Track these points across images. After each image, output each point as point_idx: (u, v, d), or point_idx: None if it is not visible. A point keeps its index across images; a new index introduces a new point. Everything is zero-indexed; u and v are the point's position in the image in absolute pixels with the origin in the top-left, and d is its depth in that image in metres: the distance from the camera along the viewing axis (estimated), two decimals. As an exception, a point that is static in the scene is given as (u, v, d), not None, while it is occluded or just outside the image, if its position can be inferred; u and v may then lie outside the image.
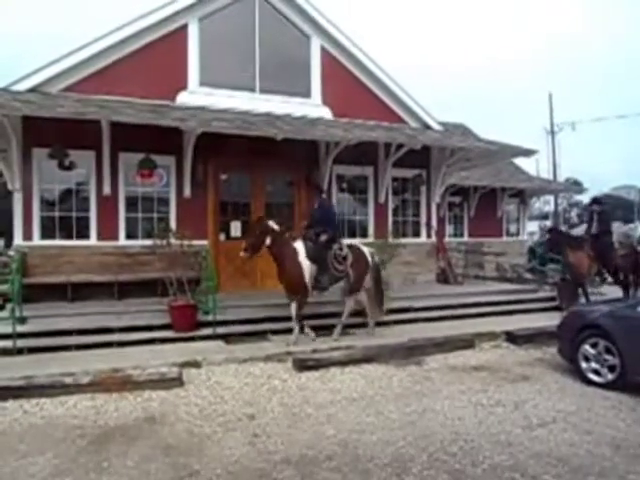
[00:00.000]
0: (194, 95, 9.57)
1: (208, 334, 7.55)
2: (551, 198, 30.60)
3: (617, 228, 34.08)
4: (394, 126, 10.98)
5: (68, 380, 5.34)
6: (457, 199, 16.43)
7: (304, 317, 7.54)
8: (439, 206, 13.33)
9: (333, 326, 7.79)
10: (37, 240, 8.77)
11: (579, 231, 15.99)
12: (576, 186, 32.32)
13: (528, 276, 13.13)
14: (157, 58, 9.30)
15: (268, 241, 7.24)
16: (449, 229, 16.44)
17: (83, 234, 9.07)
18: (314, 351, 6.86)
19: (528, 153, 11.02)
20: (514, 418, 4.67)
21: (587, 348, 5.76)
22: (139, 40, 9.21)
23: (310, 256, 7.30)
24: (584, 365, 5.77)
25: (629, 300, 7.29)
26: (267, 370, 6.18)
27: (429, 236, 11.97)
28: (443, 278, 11.71)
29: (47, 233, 8.89)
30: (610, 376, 5.52)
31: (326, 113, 10.54)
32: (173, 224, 9.28)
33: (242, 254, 7.22)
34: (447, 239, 14.69)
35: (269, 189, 10.56)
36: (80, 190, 9.17)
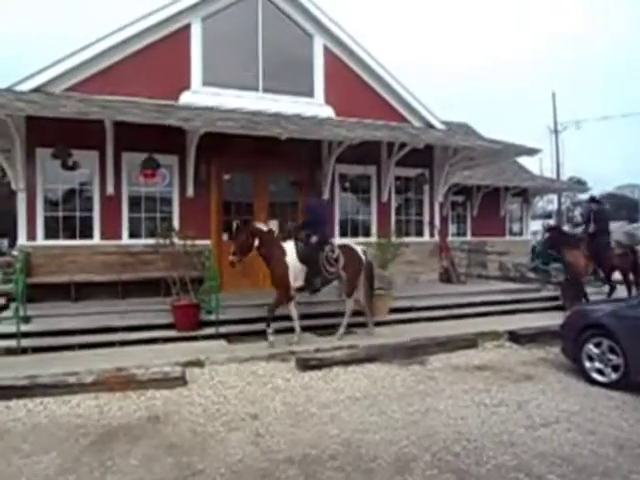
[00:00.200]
0: (197, 95, 9.58)
1: (211, 333, 7.56)
2: (554, 197, 30.52)
3: (620, 227, 34.04)
4: (397, 125, 10.97)
5: (72, 379, 5.36)
6: (460, 198, 16.40)
7: (263, 319, 7.42)
8: (442, 205, 13.30)
9: (333, 326, 7.79)
10: (41, 240, 8.80)
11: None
12: (579, 185, 32.27)
13: (531, 275, 13.10)
14: (160, 58, 9.31)
15: (257, 243, 7.22)
16: (452, 228, 16.41)
17: (86, 234, 9.10)
18: (317, 350, 6.86)
19: (532, 152, 10.99)
20: (517, 418, 4.66)
21: (591, 347, 5.74)
22: (142, 40, 9.23)
23: (301, 257, 7.26)
24: (588, 365, 5.75)
25: (632, 299, 7.25)
26: (270, 369, 6.18)
27: (432, 235, 11.96)
28: (446, 277, 11.70)
29: (51, 233, 8.91)
30: (614, 376, 5.50)
31: (329, 112, 10.54)
32: (176, 224, 9.30)
33: (231, 258, 7.20)
34: (450, 238, 14.67)
35: (272, 189, 10.55)
36: (83, 190, 9.20)
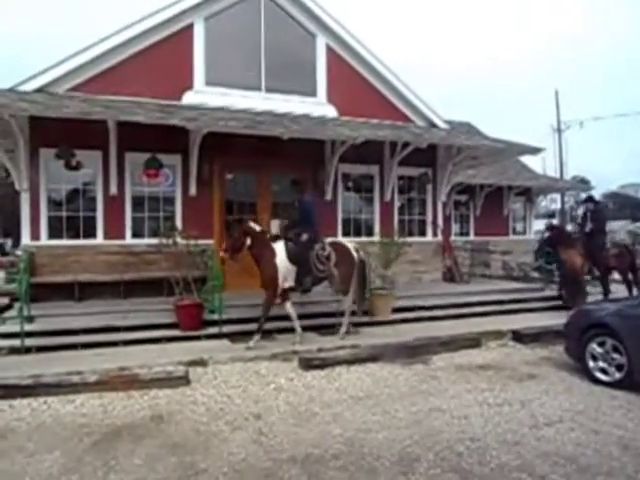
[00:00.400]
0: (200, 95, 9.59)
1: (214, 333, 7.58)
2: (558, 196, 30.43)
3: (624, 226, 33.90)
4: (400, 125, 10.96)
5: (75, 379, 5.37)
6: (463, 197, 16.37)
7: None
8: (445, 205, 13.29)
9: (335, 325, 7.79)
10: (44, 240, 8.83)
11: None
12: (583, 184, 32.13)
13: (535, 275, 13.06)
14: (163, 58, 9.33)
15: (249, 242, 7.19)
16: (455, 228, 16.38)
17: (90, 234, 9.13)
18: (320, 350, 6.86)
19: (535, 151, 10.97)
20: (521, 417, 4.65)
21: (594, 347, 5.72)
22: (145, 40, 9.25)
23: (291, 257, 7.21)
24: (591, 364, 5.73)
25: (636, 298, 7.22)
26: (273, 369, 6.18)
27: (435, 235, 11.95)
28: (449, 277, 11.69)
29: (54, 233, 8.95)
30: (618, 375, 5.48)
31: (331, 111, 10.54)
32: (179, 223, 9.32)
33: (222, 254, 7.23)
34: (453, 238, 14.66)
35: (275, 188, 10.55)
36: (87, 190, 9.23)
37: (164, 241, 8.33)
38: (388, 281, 9.01)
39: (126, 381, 5.41)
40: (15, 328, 6.77)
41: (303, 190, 7.82)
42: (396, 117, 11.15)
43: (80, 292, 8.62)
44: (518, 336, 7.75)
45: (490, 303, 9.84)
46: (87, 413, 4.78)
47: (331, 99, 10.63)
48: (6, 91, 8.35)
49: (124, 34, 9.02)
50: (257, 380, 5.77)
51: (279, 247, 7.30)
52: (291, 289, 7.39)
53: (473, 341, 7.41)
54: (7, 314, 7.98)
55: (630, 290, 10.01)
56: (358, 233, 11.07)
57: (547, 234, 9.84)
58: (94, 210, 9.16)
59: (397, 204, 11.60)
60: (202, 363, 6.27)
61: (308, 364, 6.21)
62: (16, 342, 6.65)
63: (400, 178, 11.50)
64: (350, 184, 10.90)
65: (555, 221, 24.27)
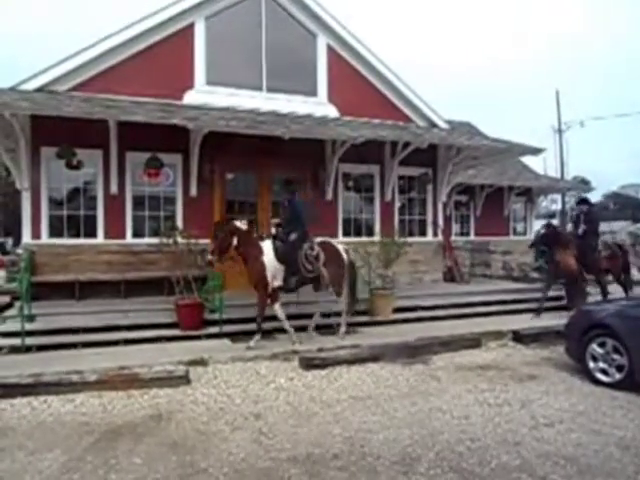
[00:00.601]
0: (201, 94, 9.60)
1: (214, 332, 7.58)
2: (559, 197, 30.40)
3: (625, 227, 33.89)
4: (401, 124, 10.95)
5: (76, 378, 5.37)
6: (464, 198, 16.37)
7: (266, 318, 7.37)
8: (445, 205, 13.29)
9: (329, 326, 7.79)
10: (45, 239, 8.84)
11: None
12: (584, 184, 32.13)
13: (535, 275, 13.06)
14: (164, 57, 9.33)
15: (235, 241, 7.08)
16: (456, 228, 16.39)
17: (90, 233, 9.13)
18: (320, 350, 6.86)
19: (536, 151, 10.96)
20: (521, 418, 4.65)
21: (595, 347, 5.71)
22: (146, 39, 9.25)
23: (278, 256, 7.13)
24: (592, 364, 5.73)
25: (636, 299, 7.21)
26: (273, 369, 6.18)
27: (435, 235, 11.95)
28: (450, 277, 11.69)
29: (55, 232, 8.95)
30: (618, 375, 5.47)
31: (332, 111, 10.55)
32: (179, 223, 9.33)
33: (209, 257, 7.08)
34: (454, 238, 14.65)
35: (276, 188, 10.55)
36: (87, 189, 9.24)
37: (164, 240, 8.34)
38: (389, 281, 9.01)
39: (126, 380, 5.41)
40: (16, 327, 6.77)
41: (295, 190, 7.77)
42: (397, 117, 11.15)
43: (80, 291, 8.63)
44: (518, 336, 7.75)
45: (491, 303, 9.84)
46: (87, 412, 4.79)
47: (332, 99, 10.63)
48: (7, 90, 8.36)
49: (125, 34, 9.02)
50: (257, 380, 5.77)
51: (267, 246, 7.23)
52: (280, 288, 7.33)
53: (473, 341, 7.41)
54: (8, 313, 7.99)
55: (626, 290, 10.01)
56: (358, 233, 11.07)
57: (543, 231, 9.81)
58: (95, 209, 9.16)
59: (397, 204, 11.60)
60: (202, 363, 6.27)
61: (309, 364, 6.21)
62: (17, 341, 6.65)
63: (400, 178, 11.49)
64: (351, 184, 10.90)
65: (556, 221, 24.28)
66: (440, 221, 12.04)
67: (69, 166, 8.59)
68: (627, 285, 10.13)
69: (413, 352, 6.83)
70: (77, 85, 8.90)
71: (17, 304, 7.55)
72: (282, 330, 7.67)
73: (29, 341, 6.70)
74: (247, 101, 9.85)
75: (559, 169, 28.16)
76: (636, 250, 18.69)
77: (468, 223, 16.81)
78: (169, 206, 9.61)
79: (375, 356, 6.60)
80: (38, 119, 7.98)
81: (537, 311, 9.21)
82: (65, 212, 9.06)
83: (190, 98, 9.52)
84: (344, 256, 7.56)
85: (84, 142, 8.61)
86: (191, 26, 9.60)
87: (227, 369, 6.12)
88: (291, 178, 8.19)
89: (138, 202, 9.41)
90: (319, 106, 10.50)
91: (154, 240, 8.80)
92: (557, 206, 33.37)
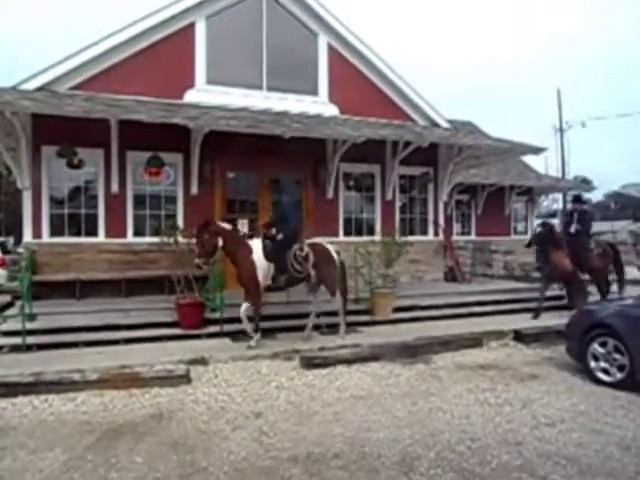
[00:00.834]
0: (201, 93, 9.60)
1: (215, 332, 7.57)
2: (560, 196, 30.37)
3: (626, 226, 33.83)
4: (402, 124, 10.95)
5: (76, 377, 5.37)
6: (465, 197, 16.37)
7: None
8: (446, 204, 13.28)
9: (333, 325, 7.78)
10: (46, 238, 8.85)
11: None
12: (585, 184, 32.10)
13: (537, 275, 13.02)
14: (164, 56, 9.34)
15: (220, 242, 6.98)
16: (456, 227, 16.39)
17: (91, 232, 9.15)
18: (321, 349, 6.86)
19: (537, 151, 10.95)
20: (522, 417, 4.64)
21: (596, 347, 5.70)
22: (146, 38, 9.26)
23: (267, 255, 7.07)
24: (593, 364, 5.72)
25: (638, 298, 7.18)
26: (274, 368, 6.18)
27: (436, 234, 11.94)
28: (451, 276, 11.68)
29: (56, 231, 8.97)
30: (619, 375, 5.46)
31: (333, 111, 10.54)
32: (180, 222, 9.33)
33: (197, 261, 6.90)
34: (455, 237, 14.64)
35: (276, 187, 10.54)
36: (88, 188, 9.25)
37: (165, 240, 8.34)
38: (390, 280, 9.01)
39: (127, 379, 5.41)
40: (17, 326, 6.78)
41: (282, 190, 7.74)
42: (398, 116, 11.15)
43: (81, 290, 8.64)
44: (520, 336, 7.73)
45: (491, 303, 9.83)
46: (88, 411, 4.79)
47: (333, 98, 10.62)
48: (8, 89, 8.37)
49: (125, 33, 9.03)
50: (258, 379, 5.77)
51: (256, 244, 7.18)
52: (269, 287, 7.26)
53: (474, 341, 7.40)
54: (9, 312, 8.00)
55: (620, 289, 9.98)
56: (359, 232, 11.07)
57: (539, 229, 9.77)
58: (95, 208, 9.17)
59: (398, 203, 11.60)
60: (203, 362, 6.27)
61: (309, 363, 6.21)
62: (18, 340, 6.65)
63: (401, 177, 11.49)
64: (351, 183, 10.90)
65: (556, 221, 24.23)
66: (441, 220, 12.03)
67: (70, 165, 8.60)
68: (620, 285, 10.07)
69: (414, 351, 6.82)
70: (78, 84, 8.92)
71: (18, 303, 7.55)
72: (283, 329, 7.69)
73: (30, 340, 6.71)
74: (248, 100, 9.85)
75: (560, 169, 28.14)
76: (637, 250, 18.66)
77: (469, 223, 16.81)
78: (170, 205, 9.62)
79: (376, 355, 6.59)
80: (39, 118, 7.99)
81: (536, 312, 9.18)
82: (66, 211, 9.07)
83: (191, 97, 9.53)
84: (335, 257, 7.52)
85: (85, 141, 8.62)
86: (192, 25, 9.60)
87: (228, 368, 6.12)
88: (278, 178, 8.15)
89: (139, 201, 9.42)
90: (320, 105, 10.50)
91: (155, 239, 8.81)
92: (558, 205, 33.33)
